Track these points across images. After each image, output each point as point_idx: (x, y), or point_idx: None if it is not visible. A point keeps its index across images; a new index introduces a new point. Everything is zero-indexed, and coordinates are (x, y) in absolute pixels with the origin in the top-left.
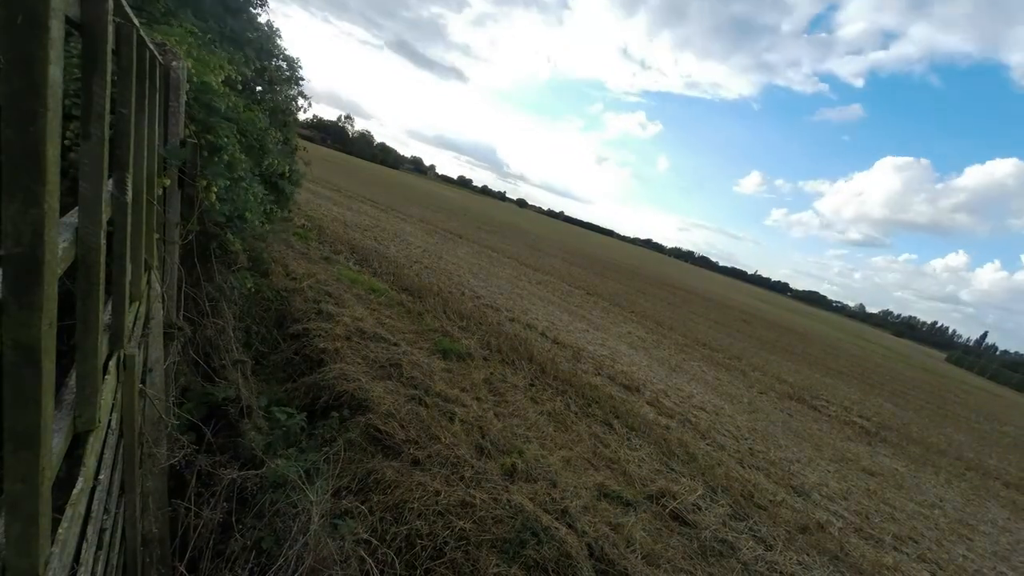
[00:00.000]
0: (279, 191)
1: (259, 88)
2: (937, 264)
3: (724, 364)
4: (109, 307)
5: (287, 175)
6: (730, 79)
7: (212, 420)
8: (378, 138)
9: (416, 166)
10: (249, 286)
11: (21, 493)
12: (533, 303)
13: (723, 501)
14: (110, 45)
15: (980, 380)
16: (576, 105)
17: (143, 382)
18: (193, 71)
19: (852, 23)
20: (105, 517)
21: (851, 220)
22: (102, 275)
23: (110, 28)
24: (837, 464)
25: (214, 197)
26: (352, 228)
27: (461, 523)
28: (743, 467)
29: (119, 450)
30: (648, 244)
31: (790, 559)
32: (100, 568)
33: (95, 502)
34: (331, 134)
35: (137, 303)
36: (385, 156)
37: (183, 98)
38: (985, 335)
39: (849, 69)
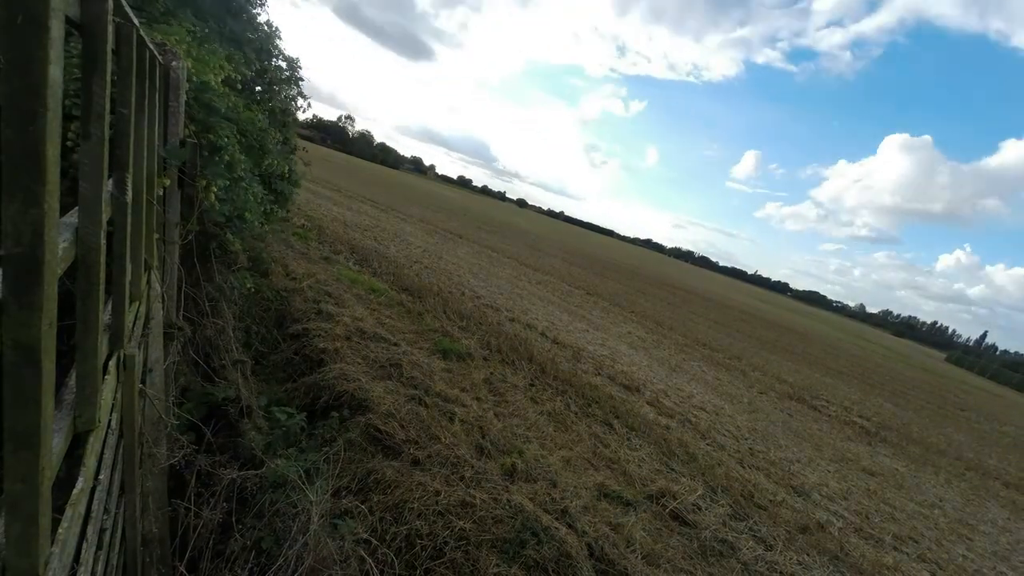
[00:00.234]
0: (279, 191)
1: (259, 88)
2: (947, 259)
3: (724, 364)
4: (109, 307)
5: (287, 175)
6: (708, 57)
7: (212, 420)
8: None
9: (416, 166)
10: (249, 286)
11: (21, 493)
12: (533, 303)
13: (723, 501)
14: (110, 45)
15: (980, 380)
16: (556, 91)
17: (143, 382)
18: (193, 71)
19: None
20: (105, 517)
21: (853, 209)
22: (102, 275)
23: (110, 28)
24: (837, 464)
25: (214, 197)
26: (352, 228)
27: (461, 523)
28: (743, 467)
29: (119, 450)
30: (648, 244)
31: (790, 559)
32: (100, 568)
33: (95, 502)
34: (331, 134)
35: (137, 303)
36: (385, 156)
37: (183, 98)
38: (985, 335)
39: (832, 42)
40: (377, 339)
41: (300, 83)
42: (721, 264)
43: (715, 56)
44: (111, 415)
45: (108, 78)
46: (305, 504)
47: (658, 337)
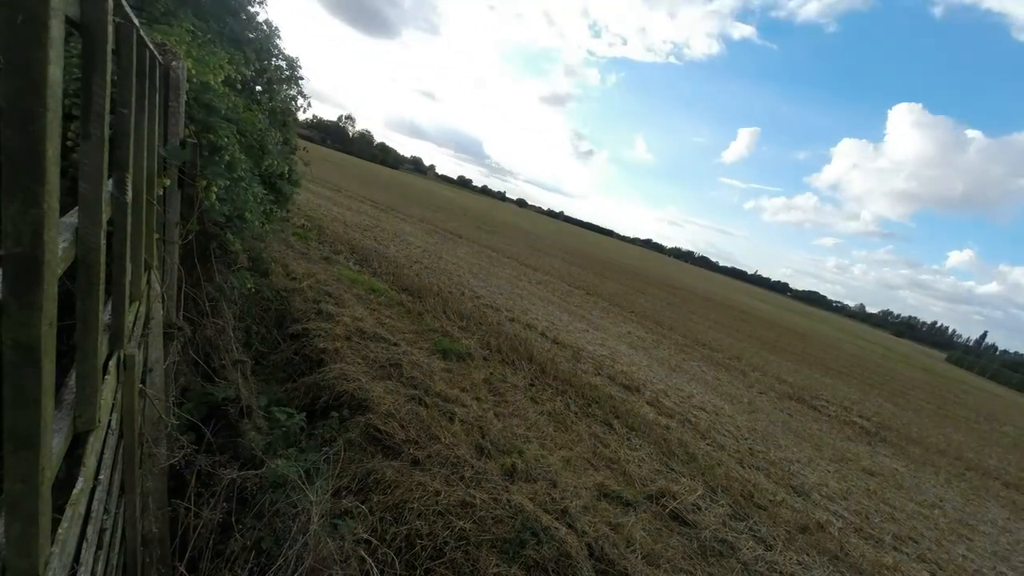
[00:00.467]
0: (279, 191)
1: (259, 88)
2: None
3: (724, 364)
4: (109, 307)
5: (287, 175)
6: (686, 34)
7: (212, 420)
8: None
9: (416, 166)
10: (249, 286)
11: (21, 493)
12: (533, 303)
13: (723, 501)
14: (110, 45)
15: (980, 380)
16: (534, 77)
17: (143, 382)
18: (193, 71)
19: None
20: (105, 517)
21: (858, 198)
22: (102, 275)
23: (110, 28)
24: (837, 464)
25: (214, 197)
26: (352, 228)
27: (461, 523)
28: (743, 467)
29: (119, 450)
30: (647, 244)
31: (790, 559)
32: (100, 568)
33: (95, 502)
34: (331, 134)
35: (137, 303)
36: (385, 156)
37: (183, 98)
38: (985, 335)
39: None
40: (377, 339)
41: (300, 82)
42: (721, 264)
43: (693, 33)
44: (111, 415)
45: (108, 78)
46: (305, 504)
47: (658, 337)
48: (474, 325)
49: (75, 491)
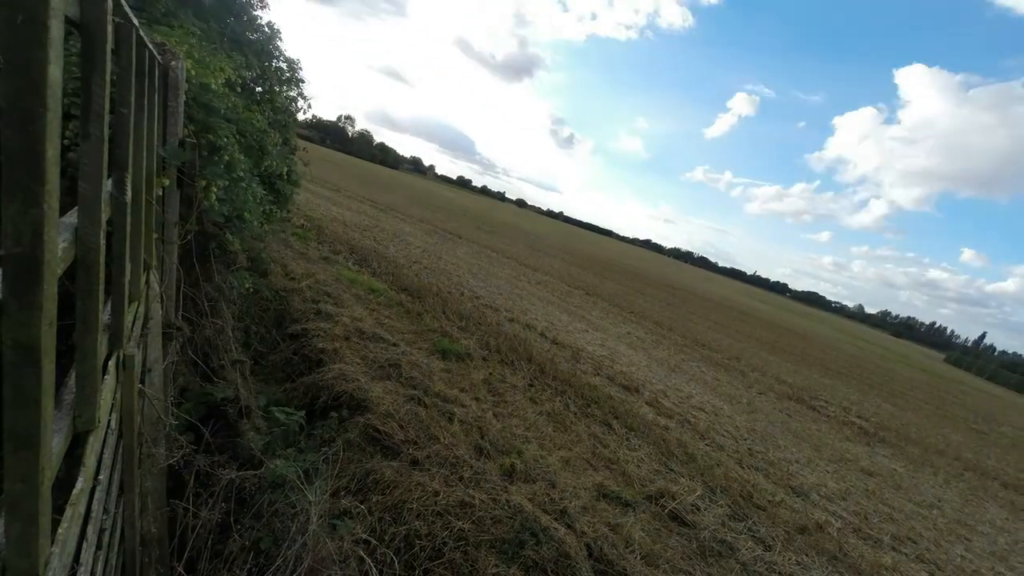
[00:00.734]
0: (278, 191)
1: (259, 89)
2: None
3: (723, 364)
4: (108, 307)
5: (286, 176)
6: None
7: (211, 420)
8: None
9: (415, 166)
10: (248, 286)
11: (21, 493)
12: (532, 303)
13: (722, 501)
14: (109, 45)
15: (979, 381)
16: (508, 62)
17: (142, 382)
18: (193, 72)
19: None
20: (104, 517)
21: (855, 183)
22: (102, 275)
23: (109, 28)
24: (836, 464)
25: (213, 197)
26: (351, 228)
27: (460, 523)
28: (742, 467)
29: (118, 450)
30: (647, 244)
31: (789, 559)
32: (99, 568)
33: (95, 502)
34: (331, 134)
35: (136, 303)
36: (384, 156)
37: (182, 98)
38: (984, 335)
39: None
40: (376, 339)
41: (301, 84)
42: (720, 264)
43: (662, 3)
44: (110, 415)
45: (108, 78)
46: (304, 504)
47: (657, 337)
48: (473, 325)
49: (75, 491)
